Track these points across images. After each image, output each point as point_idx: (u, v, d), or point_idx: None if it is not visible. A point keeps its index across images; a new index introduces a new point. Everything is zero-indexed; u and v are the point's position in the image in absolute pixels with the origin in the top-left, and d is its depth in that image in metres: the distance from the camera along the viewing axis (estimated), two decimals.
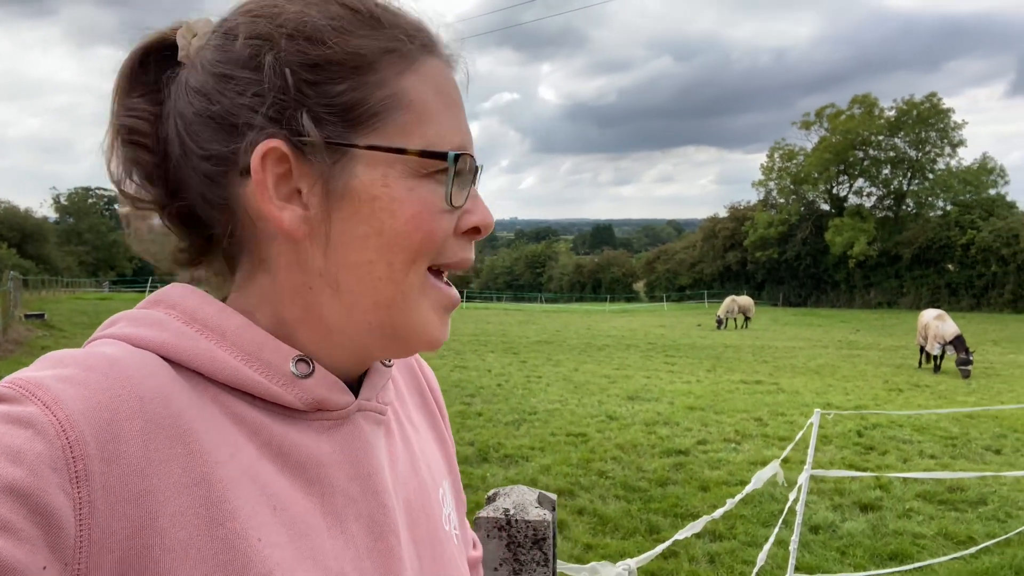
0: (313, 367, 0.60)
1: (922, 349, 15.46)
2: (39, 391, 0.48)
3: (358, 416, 0.64)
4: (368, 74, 0.58)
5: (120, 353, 0.53)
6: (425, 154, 0.58)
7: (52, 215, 70.85)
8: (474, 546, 0.91)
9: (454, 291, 0.64)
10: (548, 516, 1.17)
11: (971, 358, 14.05)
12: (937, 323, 14.68)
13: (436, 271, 0.62)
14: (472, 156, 0.61)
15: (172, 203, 0.63)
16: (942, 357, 14.71)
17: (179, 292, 0.61)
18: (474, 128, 0.68)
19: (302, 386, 0.59)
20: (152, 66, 0.63)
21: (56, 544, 0.44)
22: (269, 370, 0.58)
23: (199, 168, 0.59)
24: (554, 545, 1.05)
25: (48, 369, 0.50)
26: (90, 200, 77.14)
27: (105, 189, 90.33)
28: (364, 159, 0.57)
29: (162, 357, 0.55)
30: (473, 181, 0.62)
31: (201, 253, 0.66)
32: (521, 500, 1.17)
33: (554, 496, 1.27)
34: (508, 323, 27.45)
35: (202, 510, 0.51)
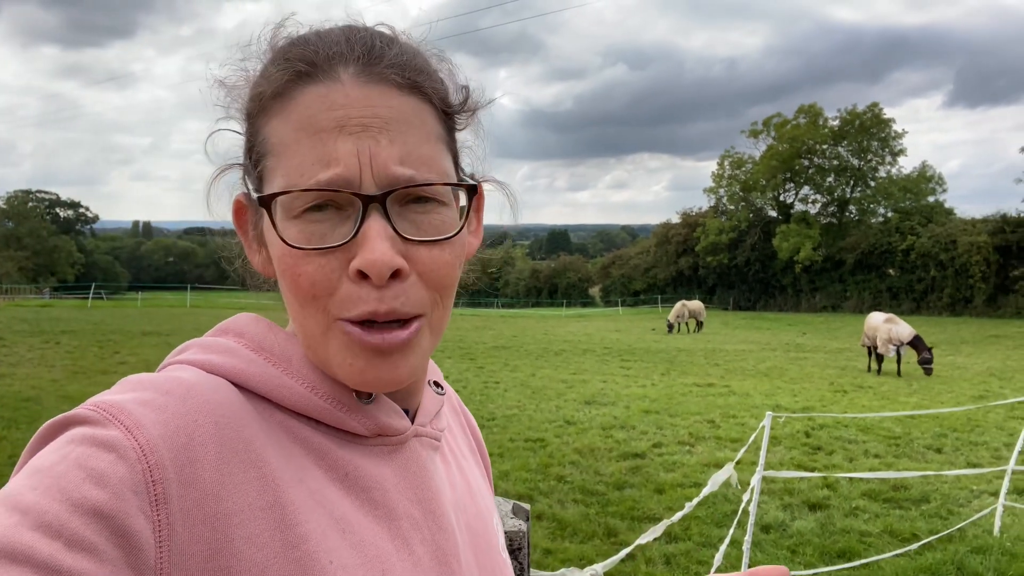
0: (374, 394, 0.62)
1: (870, 352, 15.85)
2: (122, 415, 0.49)
3: (415, 441, 0.65)
4: (251, 122, 0.61)
5: (195, 379, 0.55)
6: (253, 198, 0.60)
7: None
8: None
9: (371, 335, 0.56)
10: (523, 526, 1.20)
11: (932, 355, 14.58)
12: (889, 326, 14.98)
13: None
14: (343, 189, 0.54)
15: None
16: (900, 359, 14.98)
17: (246, 321, 0.64)
18: None
19: (365, 412, 0.61)
20: None
21: (137, 565, 0.45)
22: (333, 397, 0.60)
23: None
24: (528, 555, 1.08)
25: (128, 393, 0.52)
26: (31, 204, 74.46)
27: (47, 192, 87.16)
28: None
29: (232, 383, 0.57)
30: (364, 213, 0.54)
31: None
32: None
33: (527, 507, 1.30)
34: (465, 328, 27.39)
35: (277, 533, 0.52)
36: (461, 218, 0.61)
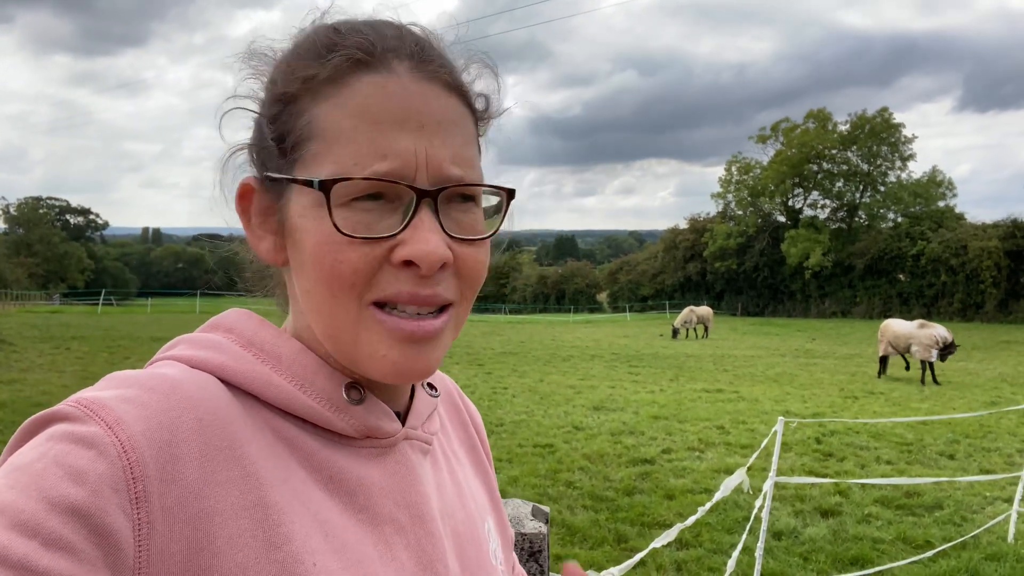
0: (364, 395, 0.61)
1: (884, 360, 15.71)
2: (102, 411, 0.49)
3: (405, 444, 0.65)
4: (292, 104, 0.58)
5: (180, 375, 0.54)
6: (298, 181, 0.57)
7: (1, 226, 68.75)
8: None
9: (408, 323, 0.56)
10: (543, 528, 1.19)
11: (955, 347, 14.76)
12: (928, 331, 14.70)
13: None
14: (400, 181, 0.55)
15: None
16: (932, 365, 14.63)
17: (236, 316, 0.62)
18: None
19: (353, 413, 0.60)
20: None
21: (116, 564, 0.45)
22: (322, 396, 0.59)
23: None
24: (548, 557, 1.08)
25: (111, 389, 0.51)
26: (41, 210, 75.03)
27: (57, 199, 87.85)
28: (295, 190, 0.58)
29: (220, 379, 0.56)
30: (417, 207, 0.56)
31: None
32: (516, 513, 1.19)
33: (547, 509, 1.29)
34: (473, 334, 27.38)
35: (259, 533, 0.51)
36: (489, 220, 0.63)
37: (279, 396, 0.58)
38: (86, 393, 0.51)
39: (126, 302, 54.35)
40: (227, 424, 0.53)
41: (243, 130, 0.64)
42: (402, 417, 0.66)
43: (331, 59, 0.57)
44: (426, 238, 0.55)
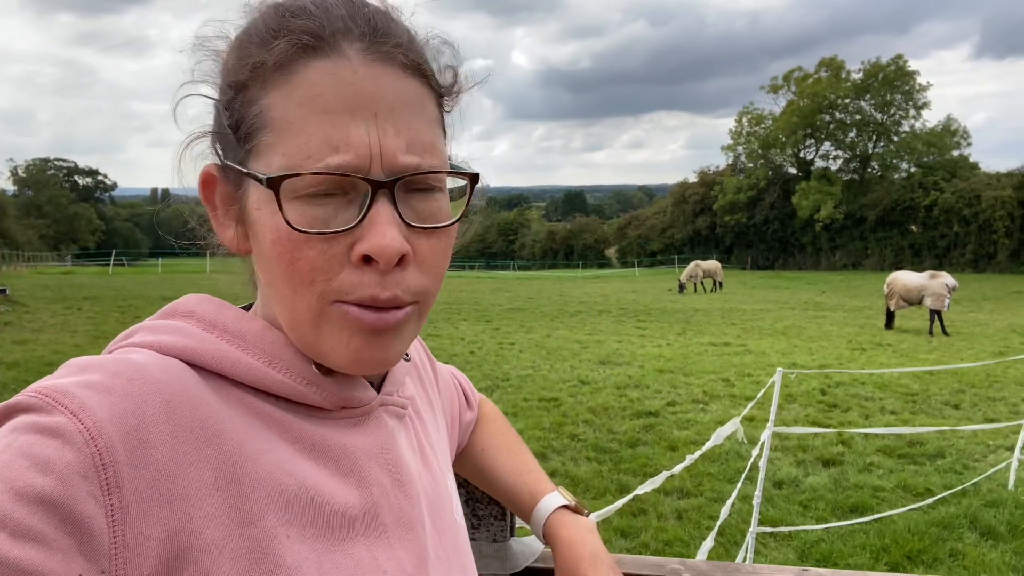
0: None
1: (891, 314, 15.67)
2: (65, 399, 0.48)
3: (381, 411, 0.65)
4: (243, 92, 0.56)
5: (145, 359, 0.54)
6: (248, 175, 0.55)
7: (10, 188, 68.95)
8: (468, 405, 0.94)
9: (369, 314, 0.55)
10: None
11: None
12: (940, 280, 14.89)
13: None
14: (354, 175, 0.53)
15: None
16: (941, 315, 14.89)
17: (194, 301, 0.61)
18: None
19: (326, 384, 0.60)
20: None
21: (90, 552, 0.44)
22: (293, 370, 0.58)
23: None
24: None
25: (72, 376, 0.50)
26: (49, 172, 75.12)
27: (65, 160, 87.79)
28: (251, 182, 0.56)
29: (186, 363, 0.55)
30: (372, 199, 0.53)
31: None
32: None
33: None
34: (481, 291, 27.47)
35: (233, 510, 0.51)
36: (453, 204, 0.61)
37: (249, 374, 0.57)
38: (46, 382, 0.50)
39: (137, 262, 54.62)
40: (197, 406, 0.53)
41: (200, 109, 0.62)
42: (376, 384, 0.66)
43: (277, 45, 0.54)
44: (382, 232, 0.53)
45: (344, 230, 0.53)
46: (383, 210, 0.54)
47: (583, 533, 0.84)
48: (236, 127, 0.56)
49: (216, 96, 0.60)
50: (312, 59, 0.54)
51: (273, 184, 0.52)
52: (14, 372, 9.19)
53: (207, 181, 0.60)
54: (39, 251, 54.31)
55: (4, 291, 19.32)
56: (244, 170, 0.55)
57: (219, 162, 0.59)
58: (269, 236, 0.55)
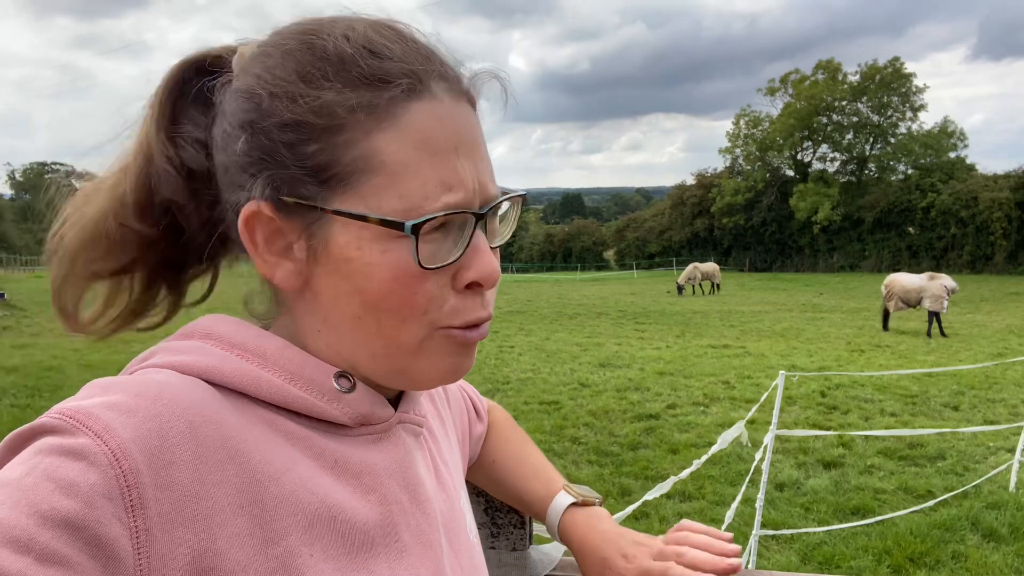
0: (354, 383, 0.61)
1: (888, 315, 15.71)
2: (89, 421, 0.47)
3: (399, 428, 0.65)
4: (336, 134, 0.55)
5: (167, 379, 0.53)
6: (384, 223, 0.54)
7: (8, 192, 68.87)
8: (478, 417, 0.95)
9: (473, 334, 0.60)
10: None
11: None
12: (939, 282, 14.88)
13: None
14: (467, 210, 0.56)
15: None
16: (940, 316, 14.88)
17: (211, 321, 0.61)
18: None
19: (346, 401, 0.60)
20: (196, 82, 0.63)
21: (114, 574, 0.44)
22: (313, 387, 0.59)
23: (230, 215, 0.60)
24: None
25: (95, 397, 0.50)
26: (47, 176, 74.95)
27: (62, 164, 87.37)
28: (339, 221, 0.55)
29: (207, 382, 0.56)
30: (475, 230, 0.57)
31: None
32: None
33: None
34: None
35: (257, 530, 0.52)
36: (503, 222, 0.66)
37: (270, 391, 0.57)
38: (69, 403, 0.50)
39: None
40: (219, 424, 0.53)
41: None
42: (393, 402, 0.66)
43: (378, 88, 0.55)
44: (487, 260, 0.58)
45: (454, 262, 0.57)
46: (481, 239, 0.58)
47: (593, 528, 0.84)
48: (323, 168, 0.55)
49: (261, 134, 0.56)
50: (413, 101, 0.56)
51: (416, 230, 0.54)
52: (12, 377, 9.17)
53: (252, 219, 0.57)
54: (38, 255, 54.13)
55: (2, 295, 19.30)
56: (380, 218, 0.54)
57: (266, 199, 0.56)
58: (382, 275, 0.55)
